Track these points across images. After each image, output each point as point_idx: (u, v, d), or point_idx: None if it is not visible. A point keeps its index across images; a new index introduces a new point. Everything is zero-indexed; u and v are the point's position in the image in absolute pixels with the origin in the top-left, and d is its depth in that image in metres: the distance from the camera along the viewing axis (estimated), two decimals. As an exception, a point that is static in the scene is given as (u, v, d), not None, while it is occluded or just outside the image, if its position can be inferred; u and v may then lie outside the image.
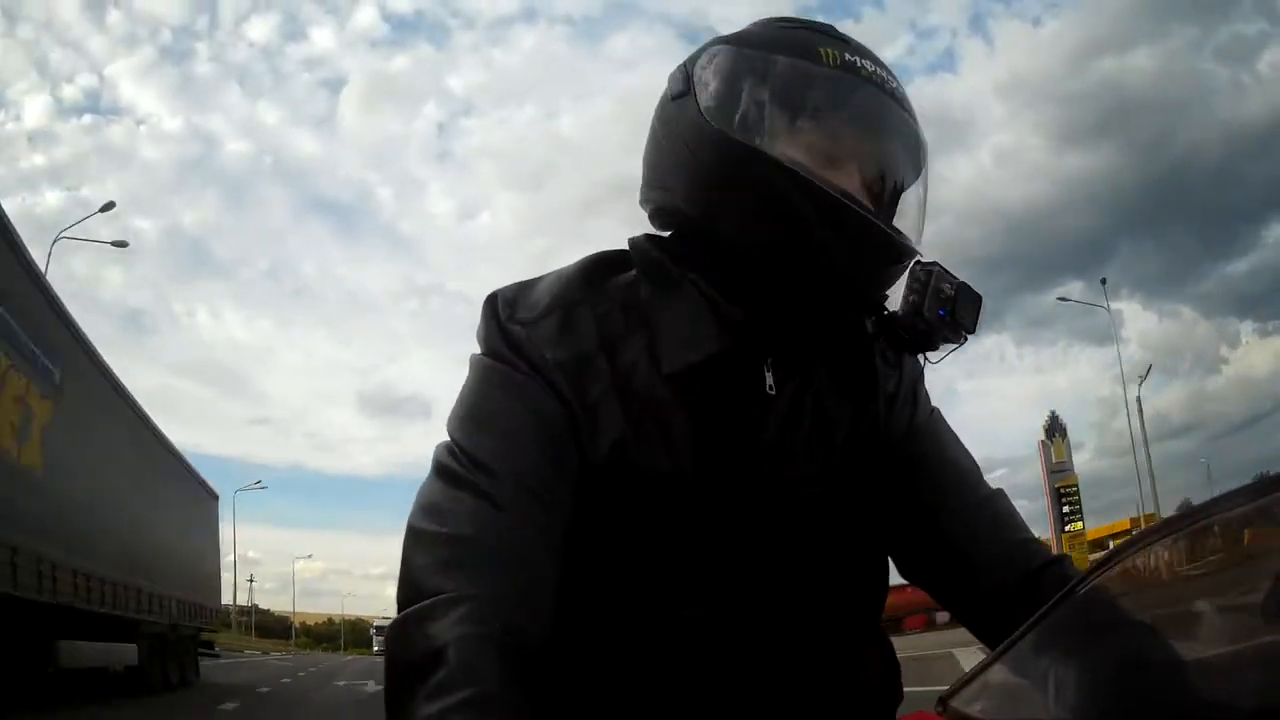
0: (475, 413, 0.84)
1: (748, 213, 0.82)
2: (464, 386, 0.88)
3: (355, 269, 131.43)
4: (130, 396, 11.92)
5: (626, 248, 0.93)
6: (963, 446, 1.01)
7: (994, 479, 0.95)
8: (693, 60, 0.88)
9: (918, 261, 0.87)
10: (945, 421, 1.02)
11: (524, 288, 0.89)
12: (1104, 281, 27.83)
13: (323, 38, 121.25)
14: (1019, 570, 0.89)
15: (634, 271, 0.90)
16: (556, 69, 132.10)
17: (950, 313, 0.84)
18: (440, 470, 0.82)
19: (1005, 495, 0.97)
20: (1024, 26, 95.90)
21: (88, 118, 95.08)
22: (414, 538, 0.78)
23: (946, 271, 0.86)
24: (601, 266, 0.91)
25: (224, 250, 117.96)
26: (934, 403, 1.00)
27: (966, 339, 0.88)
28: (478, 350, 0.89)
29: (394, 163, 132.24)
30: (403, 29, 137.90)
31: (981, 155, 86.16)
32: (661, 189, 0.88)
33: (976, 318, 0.87)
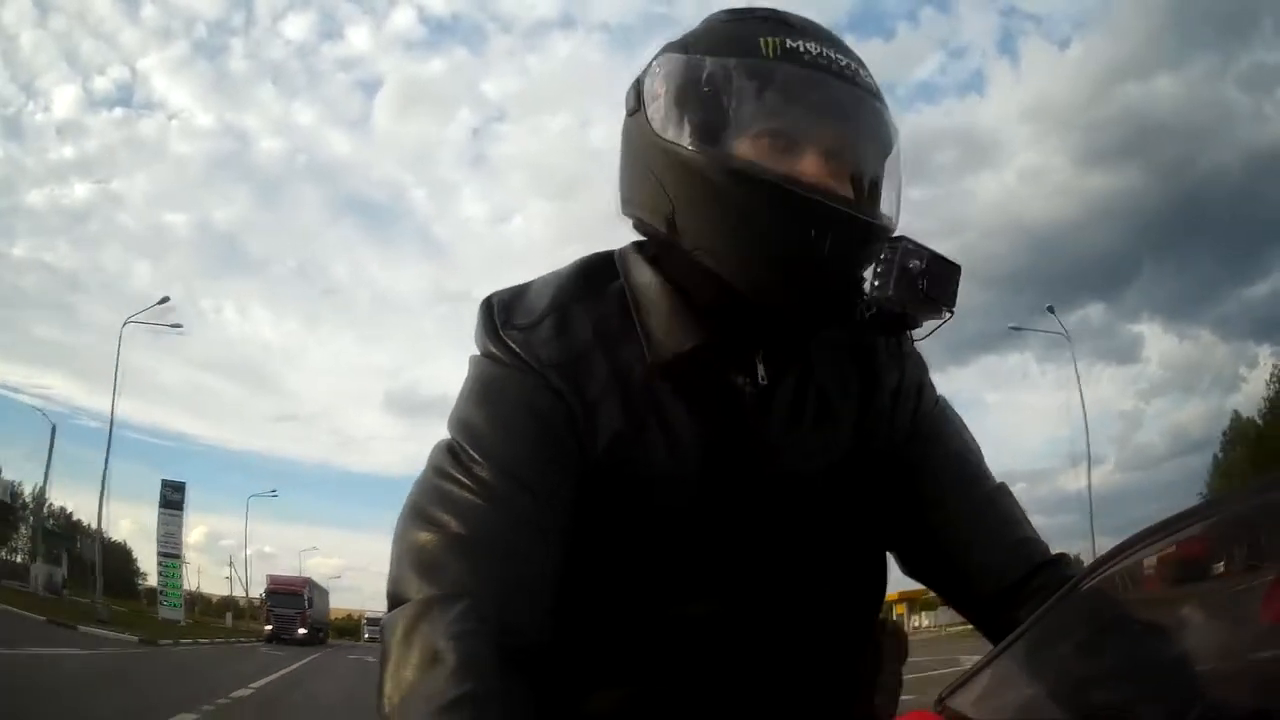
0: (472, 411, 0.82)
1: (709, 222, 0.78)
2: (463, 386, 0.85)
3: (386, 270, 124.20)
4: (321, 586, 42.29)
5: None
6: (968, 438, 0.96)
7: (1016, 491, 0.89)
8: (644, 73, 0.85)
9: (886, 238, 0.80)
10: (953, 411, 0.98)
11: (520, 292, 0.87)
12: (1051, 309, 26.10)
13: (359, 38, 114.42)
14: (1019, 569, 0.86)
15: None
16: (592, 77, 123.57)
17: (924, 289, 0.78)
18: (436, 468, 0.79)
19: (1008, 490, 0.93)
20: (1050, 49, 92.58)
21: (119, 110, 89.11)
22: (408, 535, 0.76)
23: (916, 245, 0.79)
24: (596, 268, 0.88)
25: (255, 248, 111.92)
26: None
27: (950, 313, 0.81)
28: (476, 352, 0.86)
29: (428, 166, 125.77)
30: (440, 31, 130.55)
31: (1006, 175, 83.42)
32: (631, 204, 0.86)
33: (953, 290, 0.79)
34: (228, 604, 51.70)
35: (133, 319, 26.34)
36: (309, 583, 37.49)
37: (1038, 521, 0.94)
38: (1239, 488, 0.60)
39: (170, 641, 20.80)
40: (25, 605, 20.74)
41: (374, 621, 46.14)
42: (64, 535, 41.40)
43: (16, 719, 6.32)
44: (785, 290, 0.77)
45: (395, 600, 0.72)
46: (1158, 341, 66.14)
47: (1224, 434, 38.39)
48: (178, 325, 28.25)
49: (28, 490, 42.00)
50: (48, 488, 34.13)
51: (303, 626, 32.81)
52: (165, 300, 27.12)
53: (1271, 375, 37.67)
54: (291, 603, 33.95)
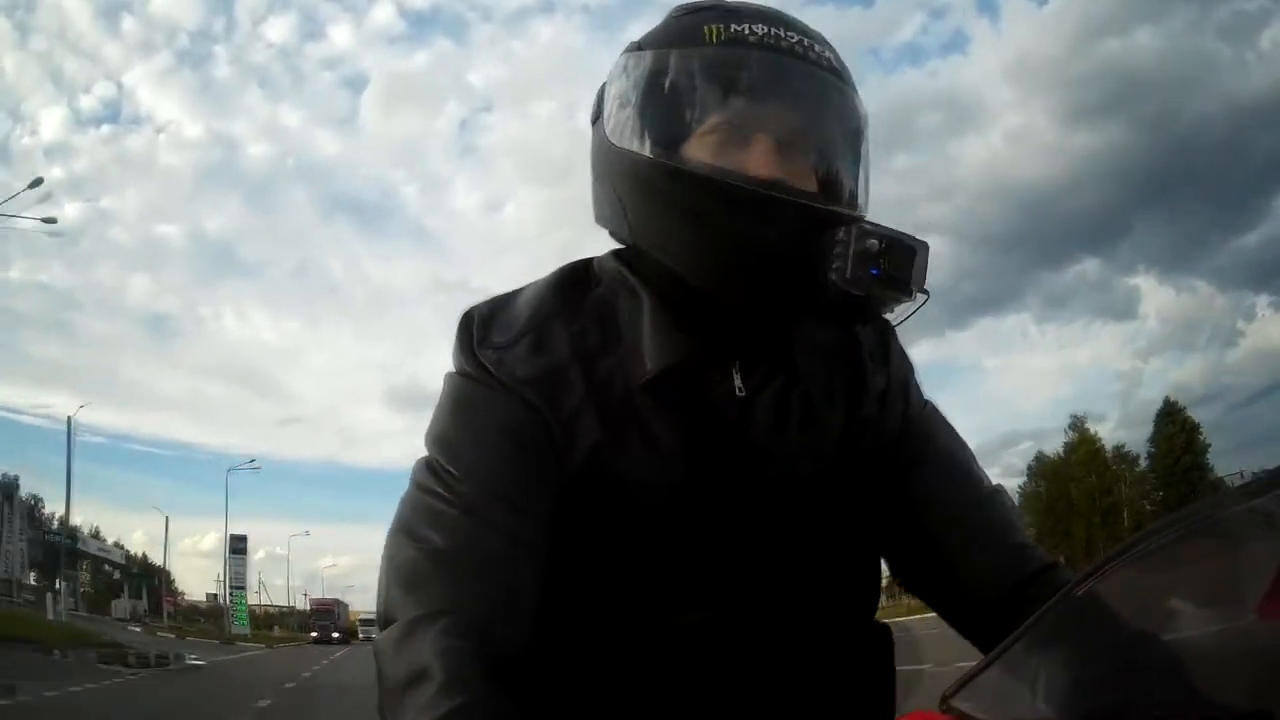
0: (450, 428, 0.80)
1: (661, 225, 0.76)
2: (439, 404, 0.82)
3: (382, 265, 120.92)
4: (344, 602, 58.60)
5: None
6: (959, 442, 0.92)
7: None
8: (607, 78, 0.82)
9: (842, 221, 0.74)
10: (941, 415, 0.93)
11: (498, 307, 0.84)
12: None
13: (341, 36, 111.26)
14: (1012, 576, 0.82)
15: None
16: (576, 61, 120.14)
17: (883, 270, 0.72)
18: (417, 486, 0.77)
19: (1004, 493, 0.89)
20: (1029, 6, 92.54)
21: (106, 128, 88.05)
22: (394, 554, 0.74)
23: (873, 225, 0.73)
24: (575, 279, 0.86)
25: (249, 252, 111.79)
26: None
27: (926, 294, 0.75)
28: (451, 368, 0.84)
29: (418, 159, 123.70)
30: (421, 24, 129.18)
31: (993, 136, 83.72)
32: (598, 213, 0.84)
33: (918, 270, 0.73)
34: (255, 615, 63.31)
35: (233, 469, 46.06)
36: (338, 602, 55.95)
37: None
38: (1233, 489, 0.57)
39: (275, 646, 38.13)
40: (199, 635, 37.46)
41: (367, 622, 52.27)
42: (145, 576, 51.25)
43: (278, 672, 18.22)
44: (743, 285, 0.75)
45: (386, 620, 0.70)
46: (1154, 295, 65.26)
47: (1029, 467, 43.92)
48: (252, 459, 48.32)
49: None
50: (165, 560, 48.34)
51: (335, 631, 49.99)
52: (253, 460, 47.60)
53: (1070, 424, 42.69)
54: (328, 617, 52.43)
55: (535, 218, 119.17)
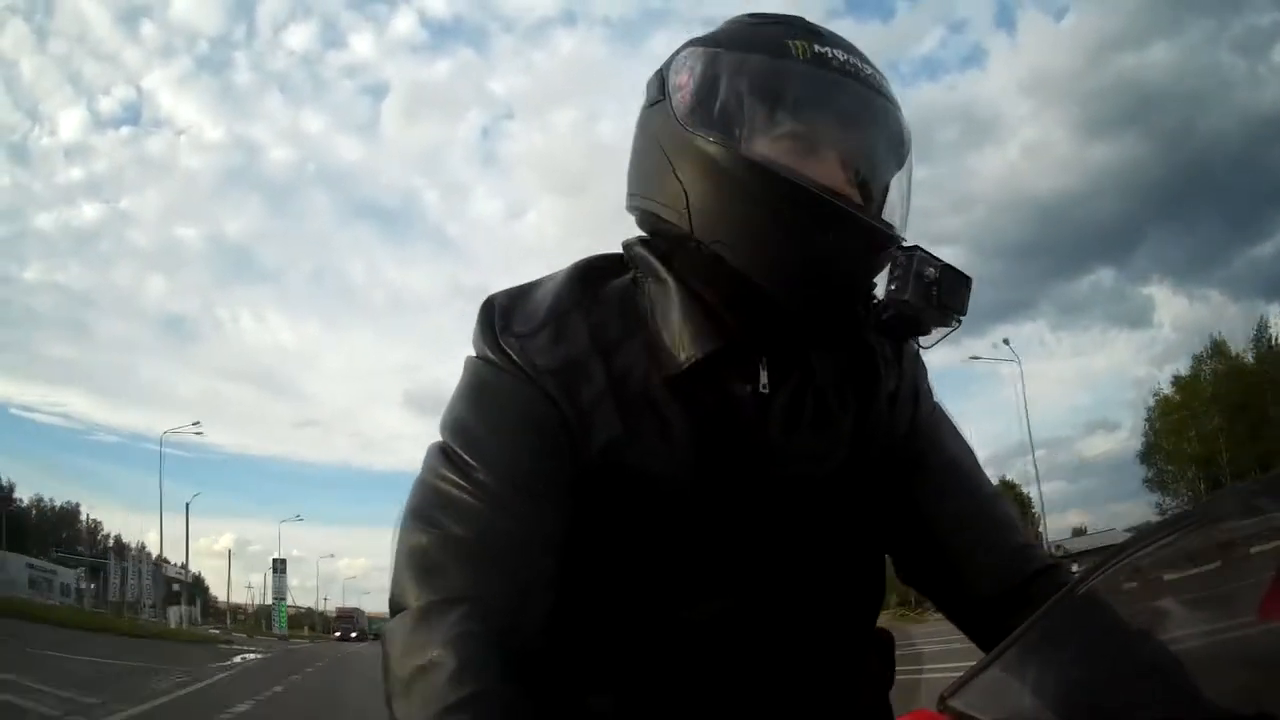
0: (467, 414, 0.78)
1: (727, 215, 0.75)
2: (457, 389, 0.80)
3: (401, 270, 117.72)
4: (361, 609, 60.35)
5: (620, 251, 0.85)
6: (964, 444, 0.92)
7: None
8: (667, 65, 0.81)
9: (899, 246, 0.76)
10: (948, 418, 0.93)
11: (519, 296, 0.82)
12: (1006, 341, 27.21)
13: (363, 45, 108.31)
14: (1014, 576, 0.81)
15: (629, 275, 0.83)
16: (597, 72, 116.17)
17: (937, 296, 0.74)
18: (432, 471, 0.75)
19: (1004, 497, 0.89)
20: (1046, 20, 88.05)
21: (125, 130, 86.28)
22: (406, 540, 0.71)
23: (929, 254, 0.75)
24: (596, 271, 0.84)
25: (269, 255, 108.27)
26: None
27: (959, 322, 0.77)
28: (472, 353, 0.81)
29: (439, 166, 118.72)
30: (443, 34, 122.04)
31: (1010, 149, 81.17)
32: (644, 195, 0.82)
33: (965, 299, 0.76)
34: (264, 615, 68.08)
35: (284, 521, 51.95)
36: (357, 609, 63.47)
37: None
38: (1232, 490, 0.51)
39: (315, 640, 47.64)
40: (259, 633, 47.65)
41: (375, 622, 58.56)
42: (196, 587, 56.81)
43: (334, 650, 29.83)
44: (798, 288, 0.74)
45: (396, 606, 0.68)
46: (1168, 304, 63.30)
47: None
48: (299, 515, 50.36)
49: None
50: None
51: (354, 632, 55.25)
52: (299, 515, 48.67)
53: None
54: (350, 621, 58.68)
55: (556, 226, 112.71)
